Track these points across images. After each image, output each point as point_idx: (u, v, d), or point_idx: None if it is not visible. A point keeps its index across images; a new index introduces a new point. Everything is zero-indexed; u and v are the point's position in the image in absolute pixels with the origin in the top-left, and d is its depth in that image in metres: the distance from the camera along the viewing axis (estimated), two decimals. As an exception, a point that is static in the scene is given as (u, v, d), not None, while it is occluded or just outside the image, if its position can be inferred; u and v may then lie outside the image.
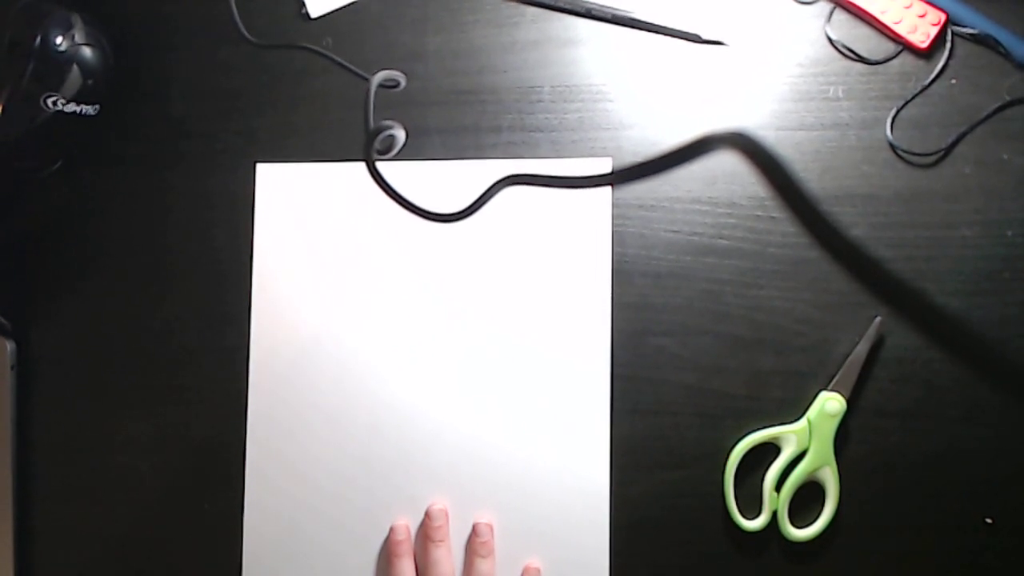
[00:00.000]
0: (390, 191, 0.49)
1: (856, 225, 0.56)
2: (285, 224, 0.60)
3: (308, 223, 0.60)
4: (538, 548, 0.56)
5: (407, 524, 0.57)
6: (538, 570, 0.56)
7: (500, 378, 0.58)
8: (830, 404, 0.54)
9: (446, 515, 0.57)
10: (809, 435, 0.54)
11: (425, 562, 0.56)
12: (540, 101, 0.59)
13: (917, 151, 0.56)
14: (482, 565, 0.55)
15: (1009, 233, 0.55)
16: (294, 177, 0.60)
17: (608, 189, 0.57)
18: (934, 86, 0.56)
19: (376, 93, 0.50)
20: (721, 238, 0.57)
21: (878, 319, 0.55)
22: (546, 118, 0.59)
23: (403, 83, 0.57)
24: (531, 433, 0.57)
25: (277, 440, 0.59)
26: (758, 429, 0.55)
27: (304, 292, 0.59)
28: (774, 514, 0.55)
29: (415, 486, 0.58)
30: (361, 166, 0.46)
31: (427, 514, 0.57)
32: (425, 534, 0.57)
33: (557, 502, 0.56)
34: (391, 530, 0.57)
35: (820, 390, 0.55)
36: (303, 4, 0.60)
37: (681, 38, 0.58)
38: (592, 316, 0.57)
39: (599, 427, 0.56)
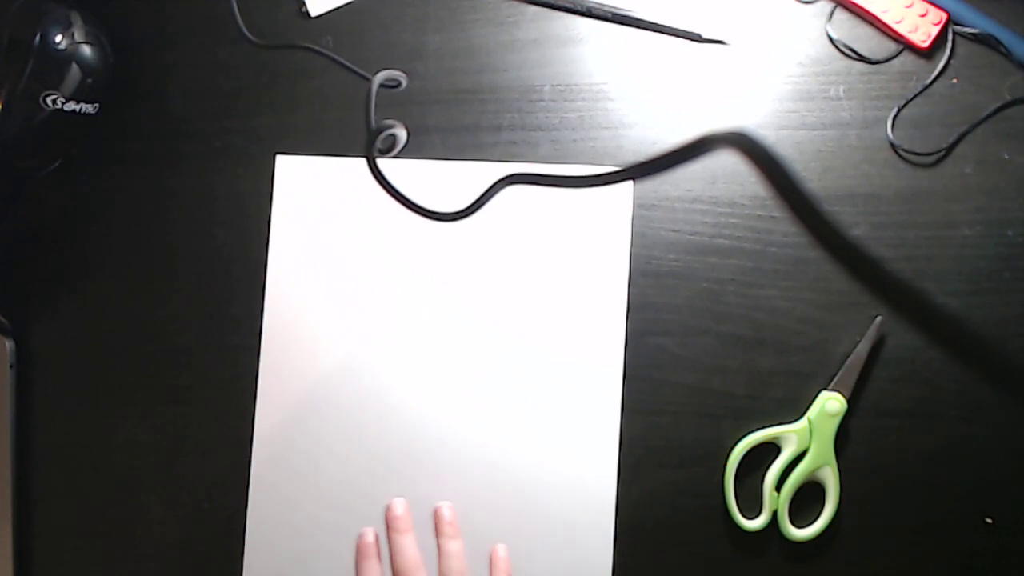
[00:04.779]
0: (392, 190, 0.49)
1: (857, 225, 0.56)
2: (298, 219, 0.60)
3: (322, 218, 0.60)
4: (543, 548, 0.56)
5: (374, 529, 0.58)
6: (506, 560, 0.56)
7: (509, 379, 0.57)
8: (830, 404, 0.54)
9: (406, 506, 0.57)
10: (809, 435, 0.54)
11: (392, 553, 0.57)
12: (540, 100, 0.59)
13: (918, 151, 0.56)
14: (450, 545, 0.56)
15: (1010, 233, 0.55)
16: (310, 170, 0.60)
17: (630, 189, 0.57)
18: (935, 85, 0.56)
19: (377, 92, 0.50)
20: (721, 238, 0.57)
21: (879, 319, 0.55)
22: (546, 117, 0.58)
23: (404, 83, 0.57)
24: (538, 435, 0.57)
25: (284, 441, 0.59)
26: (758, 429, 0.55)
27: (316, 291, 0.59)
28: (774, 514, 0.55)
29: (422, 488, 0.57)
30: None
31: (388, 509, 0.57)
32: (388, 526, 0.57)
33: (564, 504, 0.56)
34: (360, 535, 0.57)
35: (820, 390, 0.55)
36: (303, 3, 0.60)
37: (682, 37, 0.58)
38: (605, 317, 0.57)
39: (609, 428, 0.56)
